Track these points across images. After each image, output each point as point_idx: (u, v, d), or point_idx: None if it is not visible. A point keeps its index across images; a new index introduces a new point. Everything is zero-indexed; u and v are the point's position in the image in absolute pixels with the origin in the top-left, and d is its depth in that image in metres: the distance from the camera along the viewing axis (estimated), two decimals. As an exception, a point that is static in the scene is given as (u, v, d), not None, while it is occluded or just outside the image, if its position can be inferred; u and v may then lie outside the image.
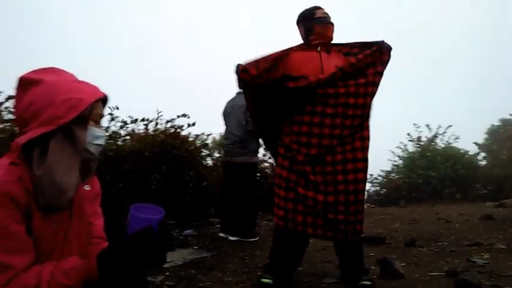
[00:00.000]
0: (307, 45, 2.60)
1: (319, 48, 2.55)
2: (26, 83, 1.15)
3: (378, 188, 10.10)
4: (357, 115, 2.38)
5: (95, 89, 1.21)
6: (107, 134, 4.51)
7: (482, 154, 10.51)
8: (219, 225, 4.88)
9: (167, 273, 2.99)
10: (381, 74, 2.46)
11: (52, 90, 1.12)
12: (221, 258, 3.49)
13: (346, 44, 2.66)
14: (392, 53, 2.49)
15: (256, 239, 4.20)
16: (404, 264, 3.01)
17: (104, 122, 4.47)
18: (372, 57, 2.41)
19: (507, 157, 9.55)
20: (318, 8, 2.61)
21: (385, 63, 2.47)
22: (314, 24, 2.56)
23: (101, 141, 1.24)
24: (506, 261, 2.99)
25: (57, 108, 1.10)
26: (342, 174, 2.35)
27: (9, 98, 3.53)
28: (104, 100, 1.26)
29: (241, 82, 2.49)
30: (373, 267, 2.93)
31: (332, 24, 2.58)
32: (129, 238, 1.10)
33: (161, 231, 1.13)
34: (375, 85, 2.43)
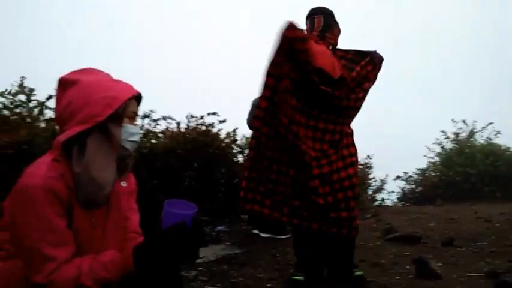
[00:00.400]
0: (319, 38, 2.53)
1: (330, 47, 2.54)
2: (64, 84, 1.21)
3: (413, 186, 9.79)
4: (348, 124, 2.49)
5: (128, 87, 1.25)
6: (142, 132, 4.63)
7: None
8: (250, 222, 4.90)
9: (200, 269, 3.05)
10: (369, 88, 2.50)
11: (88, 90, 1.17)
12: (253, 255, 3.51)
13: (341, 49, 2.64)
14: (383, 63, 2.48)
15: (288, 236, 4.19)
16: (441, 264, 2.91)
17: (138, 120, 4.59)
18: (365, 70, 2.43)
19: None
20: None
21: (376, 76, 2.50)
22: (334, 24, 2.60)
23: (136, 138, 1.27)
24: (552, 263, 2.83)
25: (93, 107, 1.15)
26: (336, 173, 2.36)
27: (50, 97, 3.70)
28: (138, 98, 1.30)
29: (285, 39, 2.20)
30: (407, 267, 2.86)
31: None
32: (164, 233, 1.12)
33: (194, 226, 1.15)
34: (364, 99, 2.49)
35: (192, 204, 1.21)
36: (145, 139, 4.60)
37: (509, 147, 9.58)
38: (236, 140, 5.61)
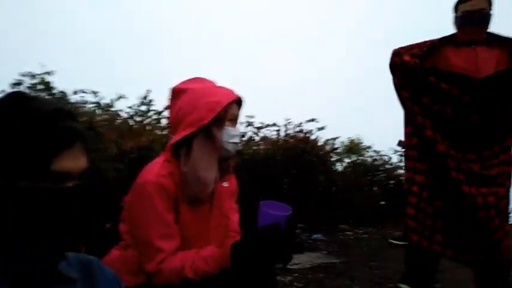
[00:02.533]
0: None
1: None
2: (176, 93, 1.35)
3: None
4: None
5: (229, 92, 1.34)
6: (244, 138, 4.88)
7: None
8: (349, 232, 4.79)
9: (296, 275, 3.08)
10: None
11: (194, 97, 1.29)
12: (350, 266, 3.42)
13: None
14: None
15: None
16: None
17: (241, 128, 4.86)
18: None
19: None
20: None
21: None
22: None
23: (236, 140, 1.36)
24: None
25: (198, 111, 1.26)
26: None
27: (166, 108, 4.14)
28: (239, 102, 1.39)
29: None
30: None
31: None
32: (257, 232, 1.18)
33: (288, 228, 1.18)
34: None
35: (287, 207, 1.24)
36: (247, 146, 4.83)
37: None
38: (336, 148, 5.54)
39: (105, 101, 4.02)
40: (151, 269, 1.19)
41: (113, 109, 4.04)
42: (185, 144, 1.28)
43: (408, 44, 2.13)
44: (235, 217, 1.47)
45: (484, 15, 1.99)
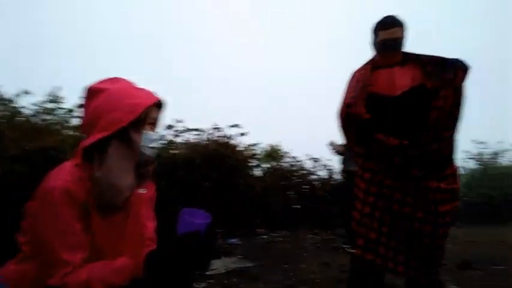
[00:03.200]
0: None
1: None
2: (91, 93, 1.26)
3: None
4: None
5: (150, 94, 1.29)
6: (164, 141, 4.74)
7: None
8: (264, 236, 4.91)
9: (210, 281, 3.06)
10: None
11: (112, 98, 1.22)
12: (265, 269, 3.50)
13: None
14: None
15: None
16: (455, 287, 2.86)
17: (162, 131, 4.71)
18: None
19: None
20: None
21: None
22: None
23: (156, 145, 1.30)
24: None
25: (116, 113, 1.19)
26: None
27: (80, 106, 3.85)
28: (159, 105, 1.34)
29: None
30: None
31: None
32: (176, 240, 1.15)
33: (207, 236, 1.17)
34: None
35: (207, 214, 1.24)
36: (166, 149, 4.71)
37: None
38: (255, 154, 5.65)
39: (6, 95, 3.61)
40: (54, 283, 1.09)
41: (14, 105, 3.65)
42: (99, 147, 1.20)
43: (350, 80, 2.26)
44: (151, 225, 1.41)
45: (399, 43, 2.24)
